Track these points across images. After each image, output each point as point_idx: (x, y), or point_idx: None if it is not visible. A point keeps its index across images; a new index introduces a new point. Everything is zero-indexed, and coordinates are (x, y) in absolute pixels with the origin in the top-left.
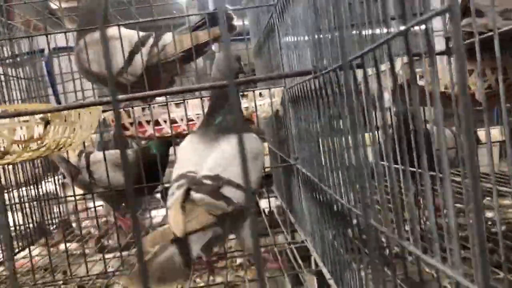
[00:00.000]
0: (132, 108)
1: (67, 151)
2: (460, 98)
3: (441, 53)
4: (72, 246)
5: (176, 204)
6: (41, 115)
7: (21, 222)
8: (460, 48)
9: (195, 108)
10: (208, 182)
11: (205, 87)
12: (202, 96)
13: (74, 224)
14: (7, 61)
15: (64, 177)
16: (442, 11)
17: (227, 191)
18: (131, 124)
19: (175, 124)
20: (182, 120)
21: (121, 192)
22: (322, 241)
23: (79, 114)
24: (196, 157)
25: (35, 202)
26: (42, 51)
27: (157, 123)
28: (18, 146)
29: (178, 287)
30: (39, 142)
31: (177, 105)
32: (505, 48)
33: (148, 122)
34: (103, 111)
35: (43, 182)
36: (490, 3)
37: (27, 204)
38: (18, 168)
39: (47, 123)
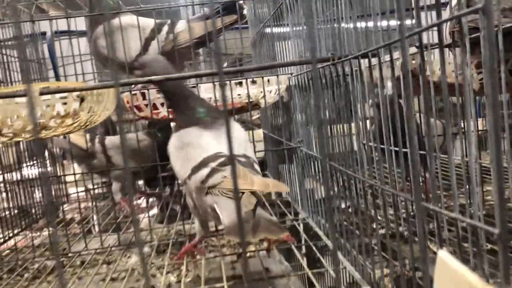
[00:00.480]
0: (148, 90)
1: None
2: (489, 80)
3: (448, 46)
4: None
5: (246, 172)
6: (77, 92)
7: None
8: (492, 39)
9: (207, 91)
10: (243, 159)
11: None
12: (214, 81)
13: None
14: (9, 42)
15: (64, 158)
16: (476, 9)
17: (256, 167)
18: (146, 105)
19: None
20: None
21: (136, 174)
22: (327, 216)
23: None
24: (212, 143)
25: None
26: (43, 34)
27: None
28: (55, 121)
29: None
30: (74, 118)
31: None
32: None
33: (162, 104)
34: (121, 92)
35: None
36: (495, 1)
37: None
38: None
39: (82, 100)
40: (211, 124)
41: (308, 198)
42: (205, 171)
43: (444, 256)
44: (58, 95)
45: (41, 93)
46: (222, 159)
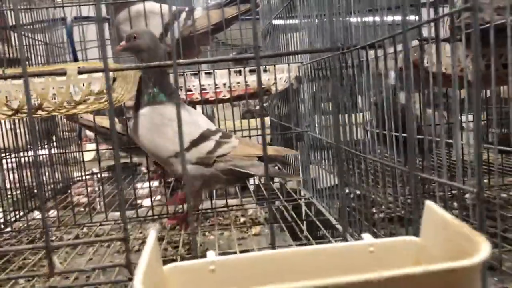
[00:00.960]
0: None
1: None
2: (474, 66)
3: (446, 40)
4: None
5: (253, 142)
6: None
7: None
8: (477, 34)
9: (222, 77)
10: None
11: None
12: (229, 67)
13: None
14: (30, 26)
15: (80, 139)
16: (466, 8)
17: None
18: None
19: (204, 91)
20: (210, 87)
21: None
22: (331, 195)
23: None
24: (197, 119)
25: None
26: (63, 19)
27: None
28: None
29: None
30: (106, 95)
31: (207, 74)
32: (497, 38)
33: (180, 88)
34: None
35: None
36: (489, 0)
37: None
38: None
39: (114, 79)
40: (171, 104)
41: (313, 182)
42: (210, 144)
43: (430, 204)
44: (95, 75)
45: (79, 72)
46: (220, 133)
